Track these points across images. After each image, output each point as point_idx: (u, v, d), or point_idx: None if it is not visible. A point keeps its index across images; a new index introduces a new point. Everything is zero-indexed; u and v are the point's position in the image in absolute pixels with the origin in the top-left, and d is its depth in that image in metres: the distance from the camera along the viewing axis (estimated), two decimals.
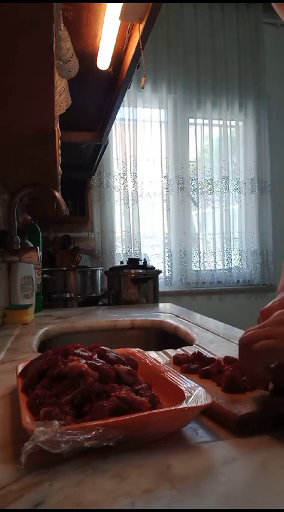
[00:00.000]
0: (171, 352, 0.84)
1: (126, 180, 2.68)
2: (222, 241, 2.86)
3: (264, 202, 2.93)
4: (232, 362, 0.61)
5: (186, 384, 0.49)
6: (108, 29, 0.90)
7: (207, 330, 1.10)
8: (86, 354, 0.53)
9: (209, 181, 2.86)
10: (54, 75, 0.64)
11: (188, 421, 0.45)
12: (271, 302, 0.59)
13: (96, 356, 0.53)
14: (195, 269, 2.82)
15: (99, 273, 2.10)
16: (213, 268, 2.86)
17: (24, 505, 0.33)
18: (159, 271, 1.92)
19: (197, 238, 2.83)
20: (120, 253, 2.68)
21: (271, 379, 0.48)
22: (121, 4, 0.79)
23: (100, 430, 0.38)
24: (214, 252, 2.85)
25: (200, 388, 0.46)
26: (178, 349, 0.87)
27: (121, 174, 2.68)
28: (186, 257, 2.78)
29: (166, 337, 1.25)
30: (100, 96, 1.35)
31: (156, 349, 0.86)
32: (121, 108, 1.47)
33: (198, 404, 0.43)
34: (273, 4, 0.63)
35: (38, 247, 1.26)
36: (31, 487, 0.35)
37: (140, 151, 2.71)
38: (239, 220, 2.93)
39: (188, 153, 2.82)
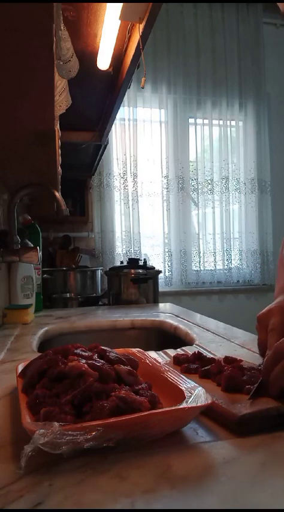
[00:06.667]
0: (171, 352, 0.83)
1: (126, 180, 2.68)
2: (222, 241, 2.87)
3: (264, 202, 2.93)
4: (232, 362, 0.60)
5: (186, 383, 0.49)
6: (108, 29, 0.90)
7: (206, 330, 1.10)
8: (86, 354, 0.53)
9: (209, 181, 2.86)
10: (54, 75, 0.64)
11: (188, 421, 0.45)
12: (267, 307, 0.59)
13: (96, 356, 0.53)
14: (195, 269, 2.82)
15: (99, 273, 2.10)
16: (212, 268, 2.86)
17: (24, 505, 0.33)
18: (159, 271, 1.92)
19: (197, 238, 2.83)
20: (120, 253, 2.68)
21: None
22: (121, 4, 0.79)
23: (100, 431, 0.38)
24: (214, 252, 2.85)
25: (200, 388, 0.46)
26: (178, 349, 0.87)
27: (121, 174, 2.68)
28: (186, 257, 2.78)
29: (166, 337, 1.25)
30: (100, 96, 1.35)
31: (156, 349, 0.86)
32: (121, 108, 1.47)
33: (198, 404, 0.43)
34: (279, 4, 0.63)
35: (38, 247, 1.25)
36: (31, 487, 0.35)
37: (140, 151, 2.71)
38: (239, 220, 2.94)
39: (188, 153, 2.82)
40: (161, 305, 1.74)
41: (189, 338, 1.05)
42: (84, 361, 0.49)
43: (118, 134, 2.68)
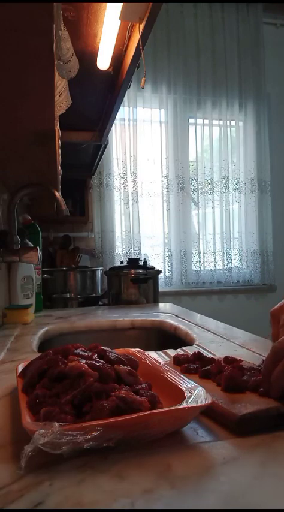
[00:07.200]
0: (171, 352, 0.83)
1: (126, 180, 2.68)
2: (222, 241, 2.86)
3: (264, 202, 2.93)
4: (232, 362, 0.60)
5: (186, 383, 0.49)
6: (108, 29, 0.90)
7: (206, 330, 1.10)
8: (86, 354, 0.53)
9: (209, 181, 2.86)
10: (54, 75, 0.64)
11: (188, 421, 0.45)
12: (280, 302, 0.59)
13: (96, 356, 0.53)
14: (195, 269, 2.82)
15: (99, 273, 2.10)
16: (212, 268, 2.86)
17: (24, 505, 0.33)
18: (159, 271, 1.92)
19: (197, 238, 2.83)
20: (120, 253, 2.68)
21: None
22: (121, 4, 0.79)
23: (100, 431, 0.38)
24: (214, 252, 2.85)
25: (200, 388, 0.46)
26: (178, 349, 0.87)
27: (121, 174, 2.68)
28: (186, 257, 2.78)
29: (166, 337, 1.25)
30: (100, 96, 1.35)
31: (156, 349, 0.86)
32: (121, 108, 1.47)
33: (198, 404, 0.43)
34: None
35: (38, 247, 1.25)
36: (31, 487, 0.35)
37: (140, 151, 2.71)
38: (239, 220, 2.94)
39: (188, 153, 2.82)
40: (161, 305, 1.74)
41: (189, 338, 1.05)
42: (84, 361, 0.49)
43: (118, 134, 2.67)
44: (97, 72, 1.11)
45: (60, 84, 0.88)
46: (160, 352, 0.84)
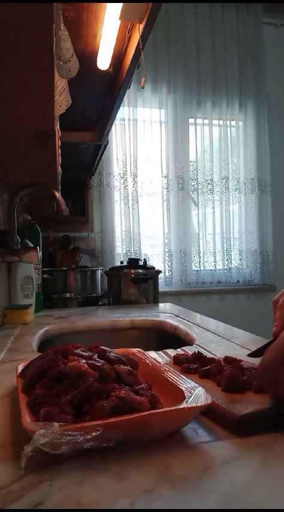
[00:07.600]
0: (171, 352, 0.83)
1: (126, 180, 2.68)
2: (222, 241, 2.86)
3: (264, 202, 2.93)
4: (232, 362, 0.61)
5: (186, 383, 0.49)
6: (108, 29, 0.90)
7: (206, 330, 1.10)
8: (86, 354, 0.53)
9: (209, 181, 2.86)
10: (54, 75, 0.64)
11: (188, 421, 0.45)
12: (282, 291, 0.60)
13: (96, 356, 0.53)
14: (195, 269, 2.82)
15: (99, 273, 2.10)
16: (212, 268, 2.86)
17: (24, 505, 0.33)
18: (159, 271, 1.92)
19: (197, 238, 2.83)
20: (120, 253, 2.68)
21: None
22: (121, 4, 0.79)
23: (100, 431, 0.38)
24: (214, 252, 2.85)
25: (200, 388, 0.46)
26: (178, 349, 0.87)
27: (121, 174, 2.68)
28: (186, 257, 2.78)
29: (166, 337, 1.25)
30: (100, 96, 1.35)
31: (156, 349, 0.86)
32: (121, 108, 1.47)
33: (198, 404, 0.43)
34: None
35: (38, 247, 1.26)
36: (31, 487, 0.35)
37: (140, 151, 2.71)
38: (239, 220, 2.93)
39: (188, 153, 2.82)
40: (161, 305, 1.74)
41: (189, 338, 1.05)
42: (84, 361, 0.49)
43: (118, 134, 2.67)
44: (97, 72, 1.11)
45: (60, 84, 0.88)
46: (160, 352, 0.84)
